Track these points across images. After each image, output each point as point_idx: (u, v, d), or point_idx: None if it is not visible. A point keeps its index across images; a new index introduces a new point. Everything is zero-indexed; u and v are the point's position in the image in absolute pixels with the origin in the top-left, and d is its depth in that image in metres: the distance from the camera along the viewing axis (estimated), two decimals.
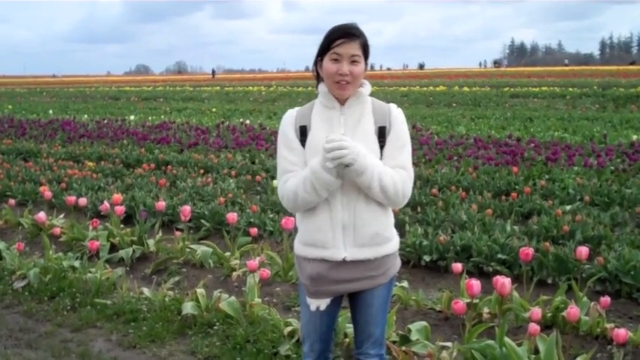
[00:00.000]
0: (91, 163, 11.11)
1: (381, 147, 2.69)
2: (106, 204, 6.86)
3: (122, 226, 6.78)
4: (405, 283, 5.02)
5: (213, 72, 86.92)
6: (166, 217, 7.38)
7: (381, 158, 2.68)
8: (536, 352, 3.68)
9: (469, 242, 5.79)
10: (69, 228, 6.81)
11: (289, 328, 4.21)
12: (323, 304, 2.77)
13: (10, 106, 27.03)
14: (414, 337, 4.03)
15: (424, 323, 4.19)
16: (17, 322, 4.86)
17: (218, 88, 42.28)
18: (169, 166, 10.51)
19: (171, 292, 5.06)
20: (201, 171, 10.09)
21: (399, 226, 3.03)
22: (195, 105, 27.97)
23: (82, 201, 7.20)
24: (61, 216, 7.45)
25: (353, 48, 2.63)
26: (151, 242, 6.33)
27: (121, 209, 6.56)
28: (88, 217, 7.41)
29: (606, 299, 4.12)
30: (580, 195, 7.69)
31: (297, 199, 2.65)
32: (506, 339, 3.68)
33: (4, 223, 7.60)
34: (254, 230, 6.02)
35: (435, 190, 7.99)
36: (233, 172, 9.77)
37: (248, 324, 4.41)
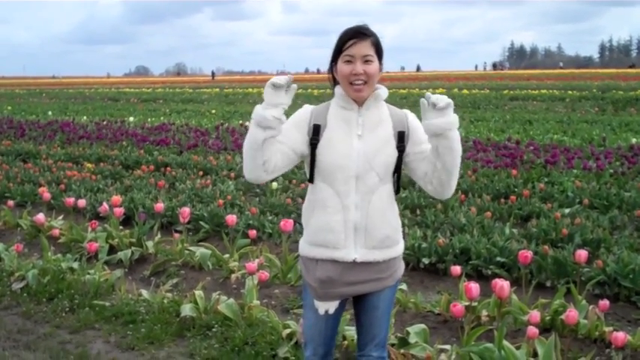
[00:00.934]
0: (90, 165, 11.11)
1: (400, 151, 2.70)
2: (105, 205, 6.86)
3: (121, 227, 6.78)
4: (403, 286, 5.01)
5: (213, 73, 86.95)
6: (165, 218, 7.37)
7: (401, 164, 2.73)
8: (535, 355, 3.69)
9: (468, 245, 5.79)
10: (68, 229, 6.81)
11: (288, 331, 4.21)
12: (332, 307, 2.76)
13: (9, 107, 27.01)
14: (412, 339, 4.03)
15: (423, 326, 4.19)
16: (16, 323, 4.86)
17: (218, 89, 42.28)
18: (168, 168, 10.50)
19: (169, 294, 5.05)
20: (201, 173, 10.09)
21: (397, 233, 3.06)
22: (194, 107, 27.98)
23: (81, 202, 7.20)
24: (60, 217, 7.45)
25: (365, 47, 2.64)
26: (149, 244, 6.33)
27: (119, 211, 6.56)
28: (87, 218, 7.41)
29: (605, 302, 4.12)
30: (579, 198, 7.69)
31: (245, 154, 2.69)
32: (505, 342, 3.68)
33: (3, 224, 7.60)
34: (253, 232, 6.02)
35: None
36: (232, 174, 9.77)
37: (247, 326, 4.41)
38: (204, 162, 10.99)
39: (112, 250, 6.35)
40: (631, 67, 75.26)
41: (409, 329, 4.13)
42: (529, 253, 4.55)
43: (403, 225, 6.57)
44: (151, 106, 28.83)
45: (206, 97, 34.68)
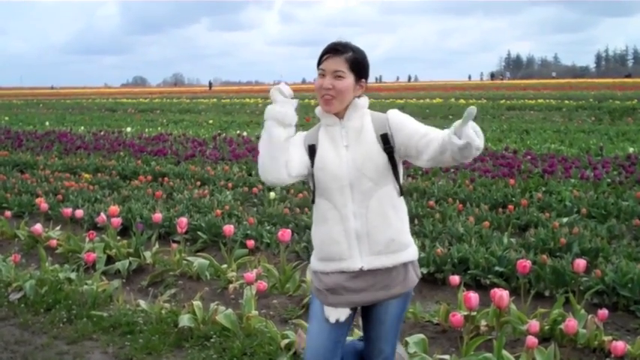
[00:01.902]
0: (87, 175, 11.10)
1: (389, 153, 2.72)
2: (103, 216, 6.85)
3: (119, 238, 6.76)
4: None
5: (210, 84, 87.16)
6: (163, 229, 7.36)
7: (394, 167, 2.73)
8: None
9: (466, 255, 5.79)
10: (65, 240, 6.79)
11: (286, 341, 4.20)
12: (343, 315, 2.75)
13: (6, 118, 27.00)
14: (411, 349, 4.02)
15: (422, 336, 4.18)
16: (13, 334, 4.84)
17: (215, 100, 42.29)
18: (166, 178, 10.50)
19: (167, 305, 5.04)
20: (198, 183, 10.08)
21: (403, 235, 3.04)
22: (192, 117, 28.01)
23: (79, 213, 7.18)
24: (58, 228, 7.43)
25: (336, 63, 2.70)
26: (147, 254, 6.32)
27: (117, 221, 6.55)
28: (85, 229, 7.40)
29: (604, 312, 4.12)
30: (577, 207, 7.69)
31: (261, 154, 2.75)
32: (504, 352, 3.68)
33: (0, 234, 7.58)
34: (251, 242, 6.02)
35: (431, 203, 8.00)
36: (230, 184, 9.77)
37: (245, 336, 4.40)
38: (201, 172, 10.98)
39: (110, 260, 6.33)
40: (627, 76, 75.57)
41: (408, 339, 4.12)
42: (527, 263, 4.55)
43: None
44: (148, 117, 28.86)
45: (203, 108, 34.71)
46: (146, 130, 20.00)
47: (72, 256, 6.47)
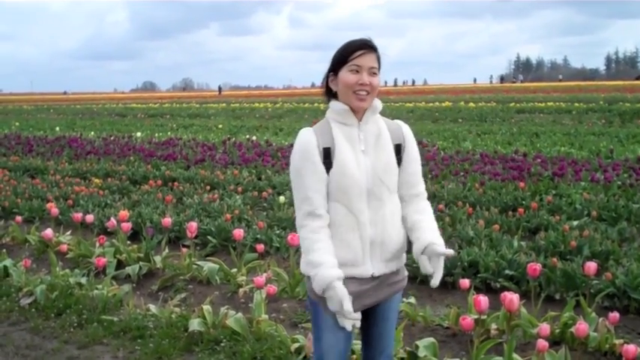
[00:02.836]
0: (97, 180, 11.14)
1: (399, 163, 2.72)
2: (113, 220, 6.87)
3: (129, 242, 6.79)
4: (412, 299, 5.00)
5: (220, 89, 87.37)
6: (173, 233, 7.38)
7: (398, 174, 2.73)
8: None
9: (476, 258, 5.77)
10: (76, 245, 6.82)
11: (296, 345, 4.20)
12: (357, 320, 2.72)
13: (17, 123, 27.16)
14: (421, 353, 4.01)
15: (432, 340, 4.17)
16: (24, 339, 4.86)
17: (224, 104, 42.41)
18: (176, 183, 10.52)
19: (177, 309, 5.05)
20: (208, 187, 10.11)
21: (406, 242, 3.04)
22: (201, 121, 28.06)
23: (89, 218, 7.21)
24: (68, 233, 7.47)
25: (372, 60, 2.65)
26: (157, 259, 6.34)
27: (127, 226, 6.57)
28: (95, 233, 7.42)
29: (615, 315, 4.10)
30: (587, 210, 7.66)
31: (305, 254, 2.67)
32: (515, 355, 3.67)
33: (11, 239, 7.62)
34: (260, 246, 6.02)
35: (441, 206, 7.98)
36: (239, 189, 9.78)
37: (255, 340, 4.40)
38: (211, 176, 11.01)
39: (120, 265, 6.36)
40: (637, 78, 75.23)
41: (418, 343, 4.11)
42: (538, 266, 4.53)
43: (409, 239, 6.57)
44: (158, 122, 28.93)
45: (213, 112, 34.78)
46: (156, 134, 20.06)
47: (82, 260, 6.49)
